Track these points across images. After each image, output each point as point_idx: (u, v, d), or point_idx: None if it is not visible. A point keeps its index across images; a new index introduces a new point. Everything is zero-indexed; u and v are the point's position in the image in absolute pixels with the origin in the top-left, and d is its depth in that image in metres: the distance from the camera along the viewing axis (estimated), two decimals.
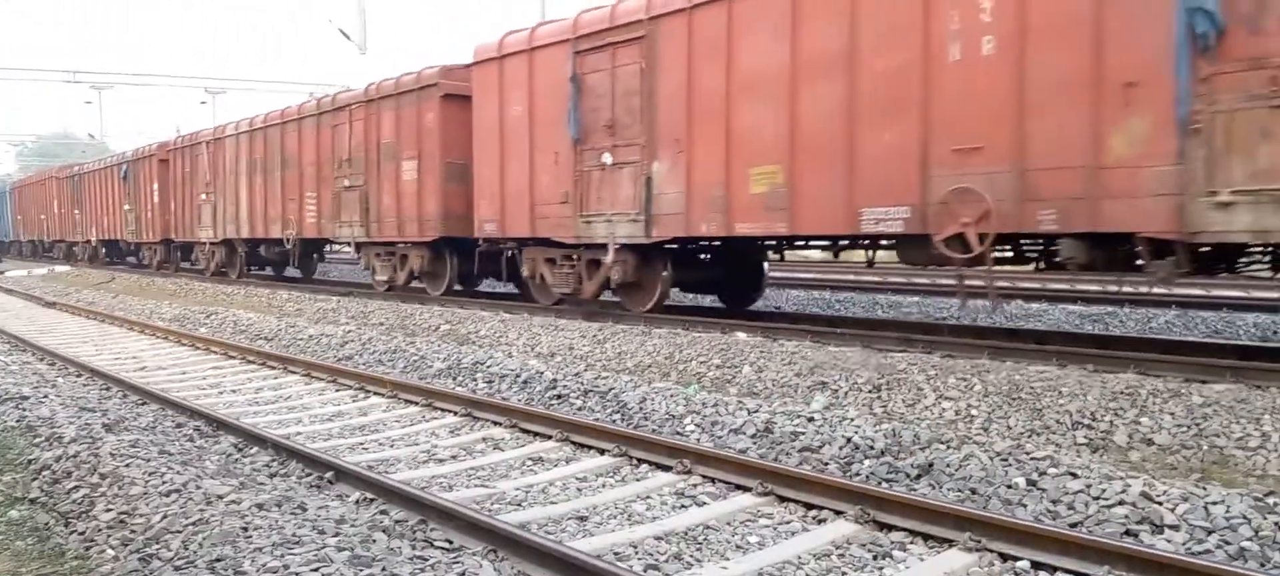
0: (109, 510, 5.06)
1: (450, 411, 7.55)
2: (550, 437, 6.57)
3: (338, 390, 8.77)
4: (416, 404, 7.90)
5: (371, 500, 5.30)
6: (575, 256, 12.14)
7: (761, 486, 5.18)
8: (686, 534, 4.65)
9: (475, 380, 8.81)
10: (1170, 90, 7.01)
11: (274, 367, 10.06)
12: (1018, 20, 7.83)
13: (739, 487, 5.30)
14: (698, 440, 6.39)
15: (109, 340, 13.08)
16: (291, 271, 21.51)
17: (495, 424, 7.07)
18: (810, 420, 6.34)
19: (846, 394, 7.42)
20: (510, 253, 13.37)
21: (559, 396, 7.91)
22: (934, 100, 8.38)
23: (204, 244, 23.15)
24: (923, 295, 14.92)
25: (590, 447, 6.27)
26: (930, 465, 5.42)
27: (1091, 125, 7.43)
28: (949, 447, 5.58)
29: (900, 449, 5.68)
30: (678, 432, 6.65)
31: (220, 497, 5.11)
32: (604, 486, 5.60)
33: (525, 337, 10.65)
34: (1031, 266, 9.18)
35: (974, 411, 6.71)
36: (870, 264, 11.50)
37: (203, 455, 6.46)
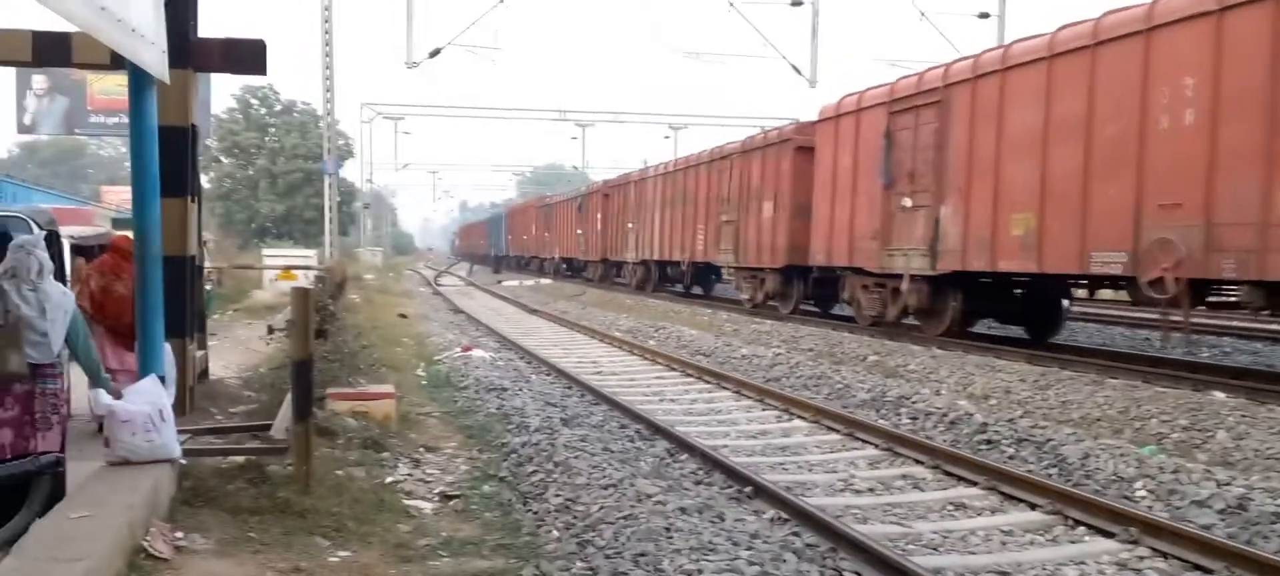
0: (558, 495, 5.70)
1: (871, 443, 7.44)
2: (975, 484, 6.20)
3: (763, 409, 9.05)
4: (837, 432, 7.90)
5: (785, 520, 5.39)
6: (883, 284, 14.29)
7: (1227, 571, 4.43)
8: None
9: (899, 415, 8.60)
10: None
11: (709, 382, 10.65)
12: (1212, 95, 8.95)
13: (1197, 568, 4.59)
14: (1150, 508, 5.64)
15: (574, 345, 14.76)
16: (671, 288, 25.41)
17: (917, 462, 6.83)
18: None
19: None
20: (842, 278, 15.64)
21: (989, 441, 7.44)
22: (1146, 162, 9.69)
23: (628, 263, 27.94)
24: None
25: (1020, 500, 5.82)
26: None
27: (1263, 186, 8.46)
28: None
29: None
30: (1125, 497, 5.92)
31: (650, 497, 5.52)
32: (1032, 543, 5.17)
33: (957, 376, 10.18)
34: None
35: None
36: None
37: (639, 456, 7.03)
